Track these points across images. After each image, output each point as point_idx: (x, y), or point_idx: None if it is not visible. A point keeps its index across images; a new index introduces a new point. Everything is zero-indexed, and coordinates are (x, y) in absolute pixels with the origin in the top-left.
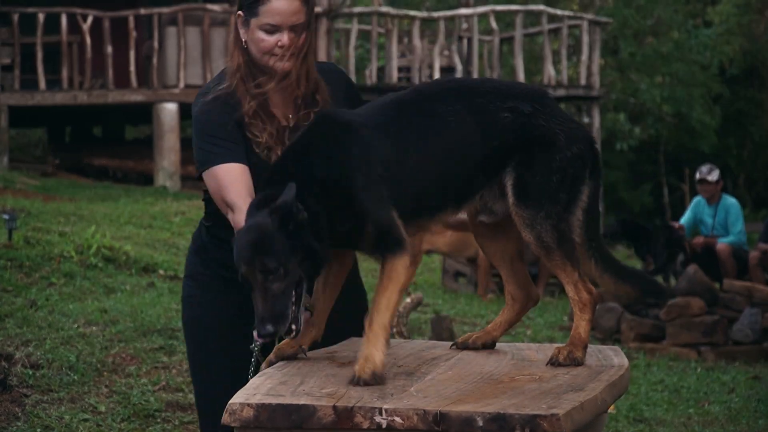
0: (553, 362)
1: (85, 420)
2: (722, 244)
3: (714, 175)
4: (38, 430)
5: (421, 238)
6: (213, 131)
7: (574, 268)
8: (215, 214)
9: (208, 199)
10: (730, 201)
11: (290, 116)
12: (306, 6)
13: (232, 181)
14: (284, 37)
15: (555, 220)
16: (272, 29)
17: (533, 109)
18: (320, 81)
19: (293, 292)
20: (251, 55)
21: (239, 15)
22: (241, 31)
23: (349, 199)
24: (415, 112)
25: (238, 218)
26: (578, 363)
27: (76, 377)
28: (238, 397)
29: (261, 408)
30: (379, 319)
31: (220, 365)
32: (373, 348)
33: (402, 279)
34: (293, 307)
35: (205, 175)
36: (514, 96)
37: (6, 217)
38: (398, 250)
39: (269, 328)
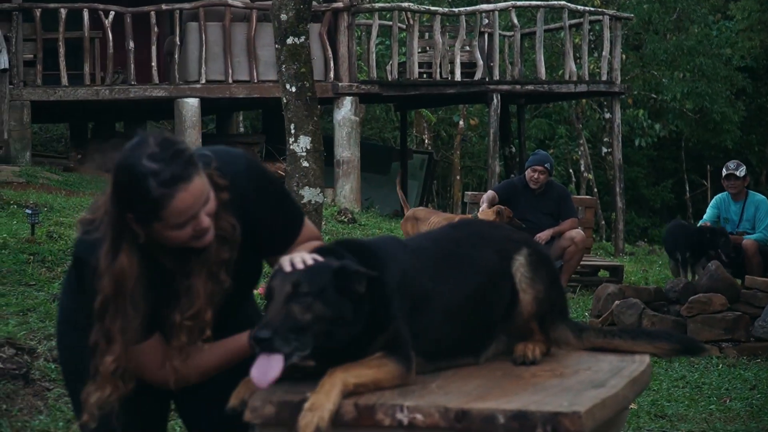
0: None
1: None
2: (749, 240)
3: (742, 171)
4: (60, 423)
5: None
6: None
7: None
8: None
9: None
10: (759, 197)
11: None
12: (208, 177)
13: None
14: (201, 222)
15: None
16: (184, 223)
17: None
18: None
19: (303, 334)
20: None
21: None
22: (136, 227)
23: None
24: (448, 259)
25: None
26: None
27: None
28: (259, 395)
29: (282, 405)
30: (345, 375)
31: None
32: (324, 397)
33: (386, 376)
34: (295, 344)
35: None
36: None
37: (28, 211)
38: (402, 361)
39: (266, 333)
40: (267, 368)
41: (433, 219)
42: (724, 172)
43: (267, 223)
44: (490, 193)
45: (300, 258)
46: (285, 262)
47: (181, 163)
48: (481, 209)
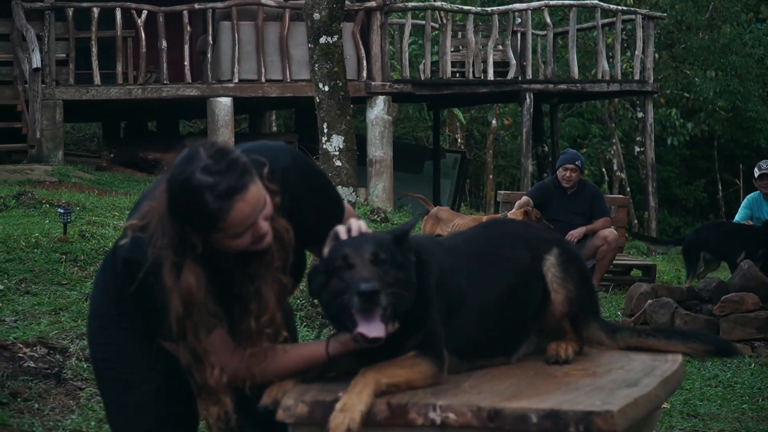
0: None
1: None
2: None
3: None
4: (92, 423)
5: None
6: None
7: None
8: None
9: None
10: None
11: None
12: (264, 184)
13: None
14: (260, 228)
15: None
16: (244, 231)
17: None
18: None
19: (391, 293)
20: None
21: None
22: (194, 239)
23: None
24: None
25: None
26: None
27: None
28: (292, 394)
29: (315, 404)
30: (377, 375)
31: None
32: (356, 397)
33: (418, 376)
34: (391, 300)
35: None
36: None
37: (61, 211)
38: (435, 360)
39: (373, 285)
40: (375, 328)
41: (458, 221)
42: (757, 172)
43: (315, 215)
44: (524, 199)
45: (357, 226)
46: (341, 230)
47: (236, 173)
48: (511, 211)
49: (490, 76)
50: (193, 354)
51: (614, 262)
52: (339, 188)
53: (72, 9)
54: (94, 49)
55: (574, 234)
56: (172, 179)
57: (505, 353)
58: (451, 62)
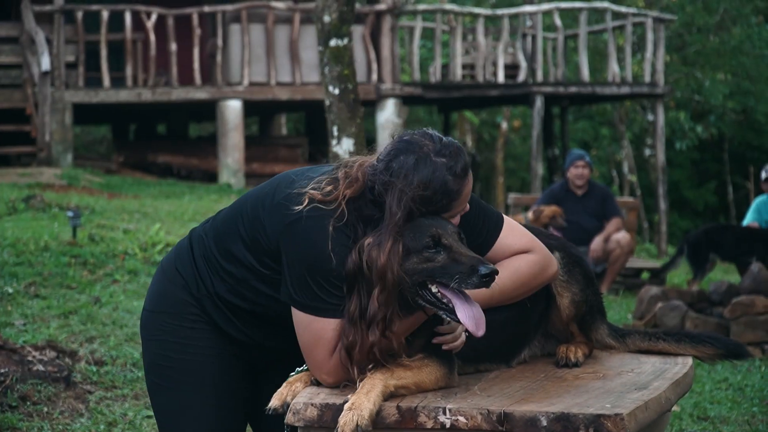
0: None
1: (149, 417)
2: None
3: None
4: (102, 426)
5: None
6: (335, 279)
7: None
8: (246, 285)
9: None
10: None
11: None
12: None
13: (331, 339)
14: (465, 208)
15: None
16: (462, 210)
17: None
18: None
19: None
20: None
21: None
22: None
23: None
24: None
25: (319, 374)
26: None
27: (140, 374)
28: (302, 397)
29: (325, 407)
30: (385, 376)
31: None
32: (364, 397)
33: (428, 378)
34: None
35: (308, 318)
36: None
37: (70, 214)
38: (445, 362)
39: (491, 267)
40: (477, 316)
41: None
42: (764, 174)
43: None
44: (535, 210)
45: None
46: None
47: (463, 156)
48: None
49: (501, 78)
50: (384, 322)
51: (625, 265)
52: None
53: (81, 12)
54: (104, 52)
55: (595, 249)
56: (413, 167)
57: (507, 358)
58: (461, 65)
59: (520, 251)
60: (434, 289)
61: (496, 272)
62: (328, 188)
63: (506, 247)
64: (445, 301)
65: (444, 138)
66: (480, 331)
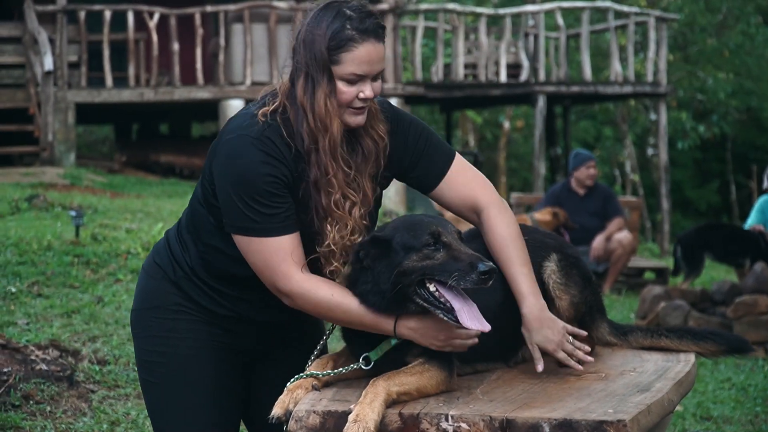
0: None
1: None
2: None
3: None
4: (105, 425)
5: None
6: (260, 196)
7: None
8: (215, 253)
9: (211, 231)
10: None
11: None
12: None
13: (276, 260)
14: (367, 89)
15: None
16: (356, 79)
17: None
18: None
19: None
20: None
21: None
22: (302, 84)
23: None
24: None
25: (291, 285)
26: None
27: None
28: (304, 405)
29: (327, 415)
30: (387, 384)
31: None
32: (368, 407)
33: (429, 382)
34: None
35: (245, 241)
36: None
37: (73, 213)
38: (445, 365)
39: (490, 264)
40: (477, 314)
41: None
42: (766, 183)
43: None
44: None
45: None
46: None
47: (379, 25)
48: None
49: (503, 78)
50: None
51: (627, 265)
52: None
53: (84, 12)
54: (106, 52)
55: (597, 248)
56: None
57: (505, 357)
58: (464, 64)
59: (475, 188)
60: (432, 288)
61: (495, 269)
62: (255, 111)
63: (460, 184)
64: (442, 300)
65: (369, 9)
66: (486, 327)
